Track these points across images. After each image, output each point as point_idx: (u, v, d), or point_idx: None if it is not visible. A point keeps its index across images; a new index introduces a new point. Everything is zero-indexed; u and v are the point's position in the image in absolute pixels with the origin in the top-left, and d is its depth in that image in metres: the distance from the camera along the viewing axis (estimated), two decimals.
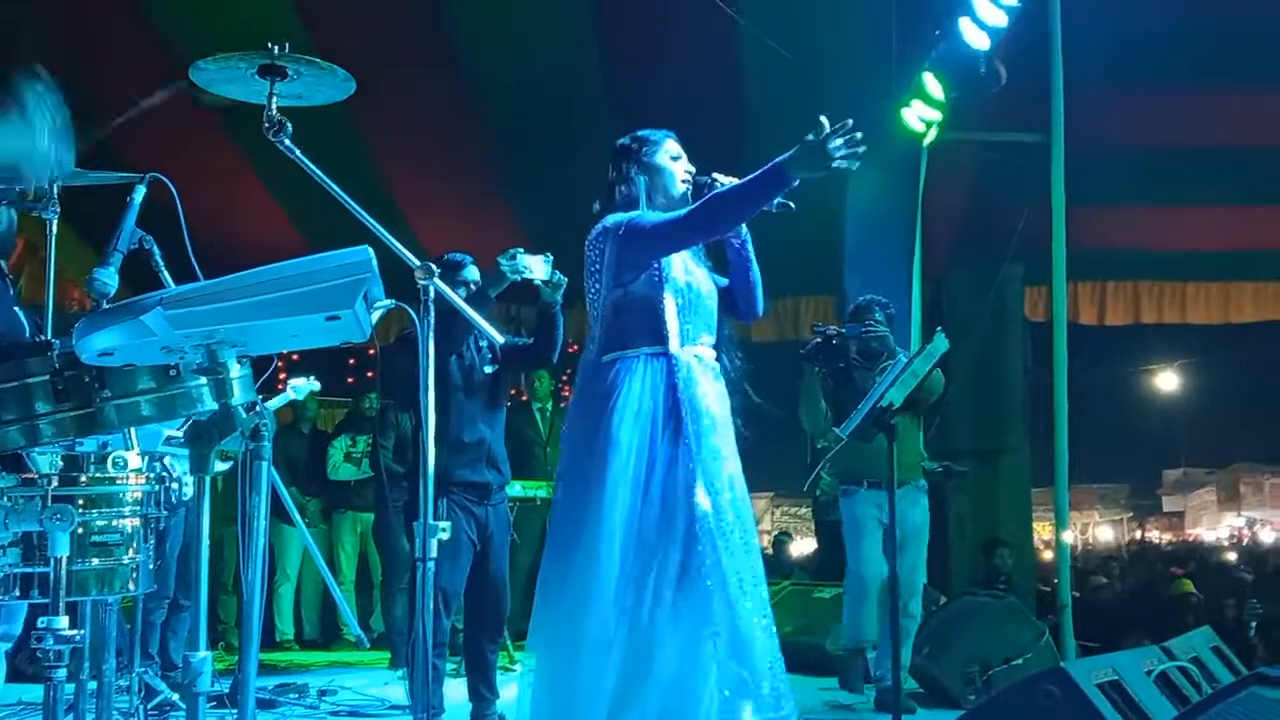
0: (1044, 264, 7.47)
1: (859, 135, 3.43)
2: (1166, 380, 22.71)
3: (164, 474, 3.08)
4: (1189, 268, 11.56)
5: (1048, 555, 13.04)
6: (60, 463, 2.86)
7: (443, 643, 4.96)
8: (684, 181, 3.85)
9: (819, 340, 6.08)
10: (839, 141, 3.39)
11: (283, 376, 6.38)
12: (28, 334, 4.07)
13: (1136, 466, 34.15)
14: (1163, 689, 3.83)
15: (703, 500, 3.49)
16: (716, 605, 3.42)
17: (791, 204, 3.68)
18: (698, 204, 3.65)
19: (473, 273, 5.09)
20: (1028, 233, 8.56)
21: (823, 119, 3.41)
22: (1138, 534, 30.79)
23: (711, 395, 3.67)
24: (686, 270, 3.74)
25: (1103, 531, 34.39)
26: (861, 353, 6.32)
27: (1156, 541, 26.64)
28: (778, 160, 3.45)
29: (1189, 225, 10.51)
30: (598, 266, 3.71)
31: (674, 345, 3.65)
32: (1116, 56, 7.80)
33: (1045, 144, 7.38)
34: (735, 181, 3.67)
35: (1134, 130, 8.82)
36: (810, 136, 3.41)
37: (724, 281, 3.91)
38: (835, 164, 3.40)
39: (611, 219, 3.73)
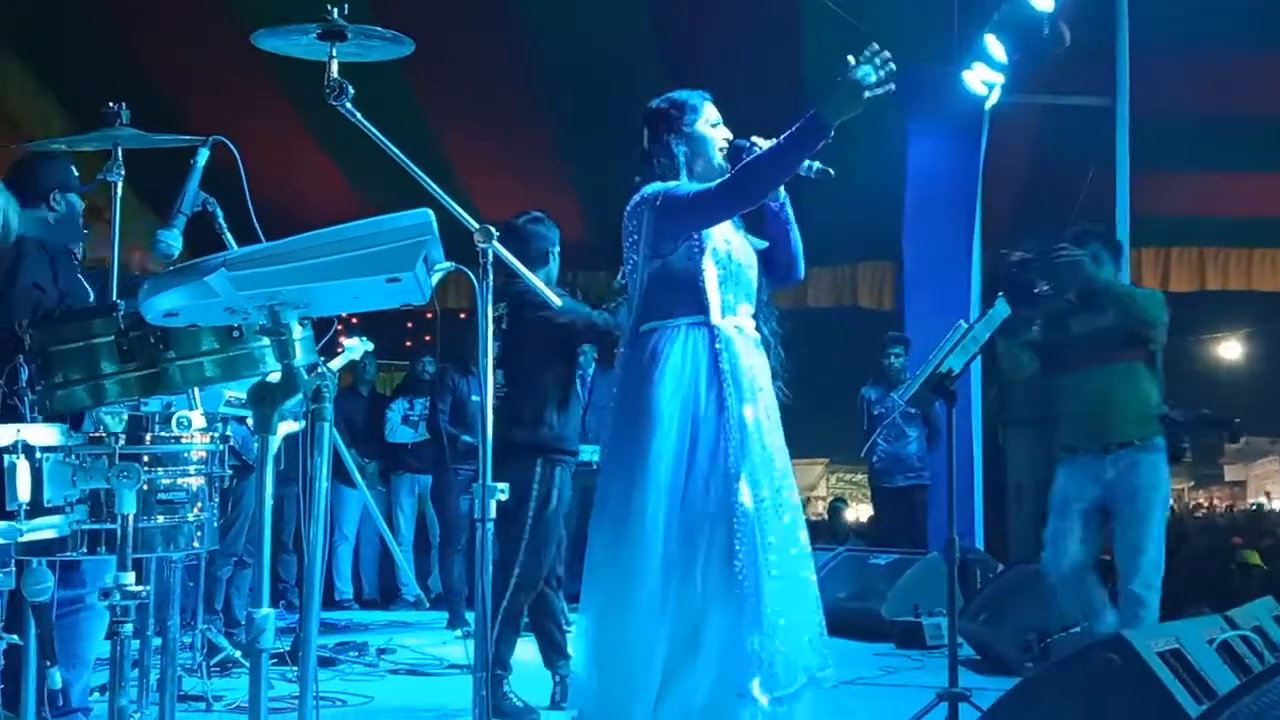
0: (1107, 230, 7.36)
1: (888, 55, 3.32)
2: (1230, 349, 22.38)
3: (228, 434, 3.12)
4: (1255, 234, 11.39)
5: None
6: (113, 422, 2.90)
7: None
8: (723, 148, 3.77)
9: (1012, 270, 5.30)
10: (868, 67, 3.30)
11: (342, 340, 6.44)
12: (91, 301, 4.13)
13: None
14: (1224, 658, 3.79)
15: (742, 485, 3.48)
16: (747, 584, 3.43)
17: (831, 170, 3.62)
18: (734, 174, 3.57)
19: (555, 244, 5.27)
20: (1091, 198, 8.45)
21: (850, 58, 3.33)
22: (1202, 502, 30.42)
23: (755, 367, 3.64)
24: (726, 239, 3.69)
25: None
26: (1056, 285, 5.34)
27: (1217, 509, 26.32)
28: (810, 112, 3.37)
29: (1255, 192, 10.36)
30: (636, 237, 3.66)
31: (715, 316, 3.60)
32: (1182, 20, 7.68)
33: (1110, 108, 7.29)
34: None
35: (1200, 95, 8.69)
36: (839, 77, 3.33)
37: (761, 244, 3.84)
38: (869, 94, 3.30)
39: (650, 189, 3.66)
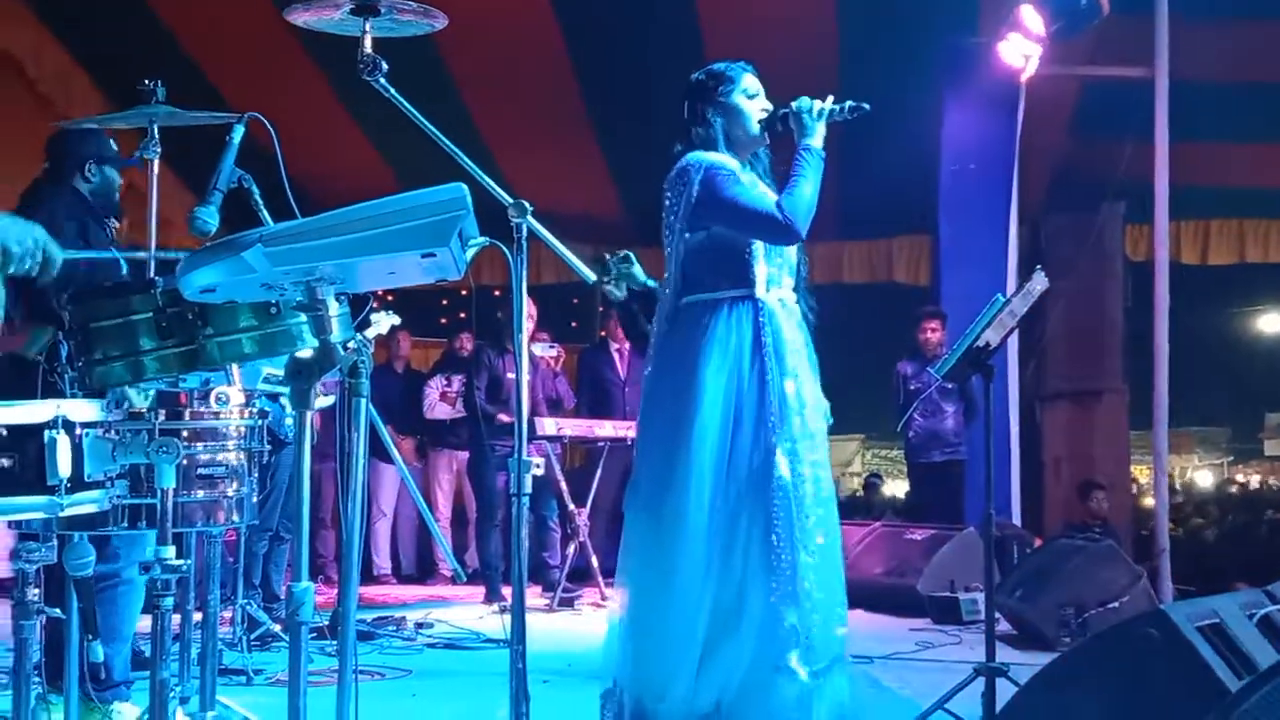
0: (1146, 202, 7.30)
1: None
2: (1270, 321, 22.14)
3: (266, 410, 3.14)
4: None
5: (1148, 501, 12.85)
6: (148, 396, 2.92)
7: None
8: (760, 119, 3.76)
9: None
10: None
11: (371, 317, 6.48)
12: (124, 273, 4.15)
13: (1238, 409, 33.42)
14: (1265, 632, 3.76)
15: (780, 457, 3.50)
16: (785, 558, 3.44)
17: (866, 105, 3.64)
18: (771, 216, 3.56)
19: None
20: (1129, 170, 8.37)
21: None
22: (1239, 477, 30.15)
23: (796, 342, 3.65)
24: None
25: (1202, 475, 33.80)
26: None
27: (1259, 486, 26.10)
28: (802, 145, 3.60)
29: None
30: (677, 209, 3.65)
31: (760, 289, 3.61)
32: None
33: (1148, 78, 7.20)
34: (818, 102, 3.66)
35: (1240, 64, 8.57)
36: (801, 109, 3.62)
37: None
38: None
39: (692, 159, 3.65)
